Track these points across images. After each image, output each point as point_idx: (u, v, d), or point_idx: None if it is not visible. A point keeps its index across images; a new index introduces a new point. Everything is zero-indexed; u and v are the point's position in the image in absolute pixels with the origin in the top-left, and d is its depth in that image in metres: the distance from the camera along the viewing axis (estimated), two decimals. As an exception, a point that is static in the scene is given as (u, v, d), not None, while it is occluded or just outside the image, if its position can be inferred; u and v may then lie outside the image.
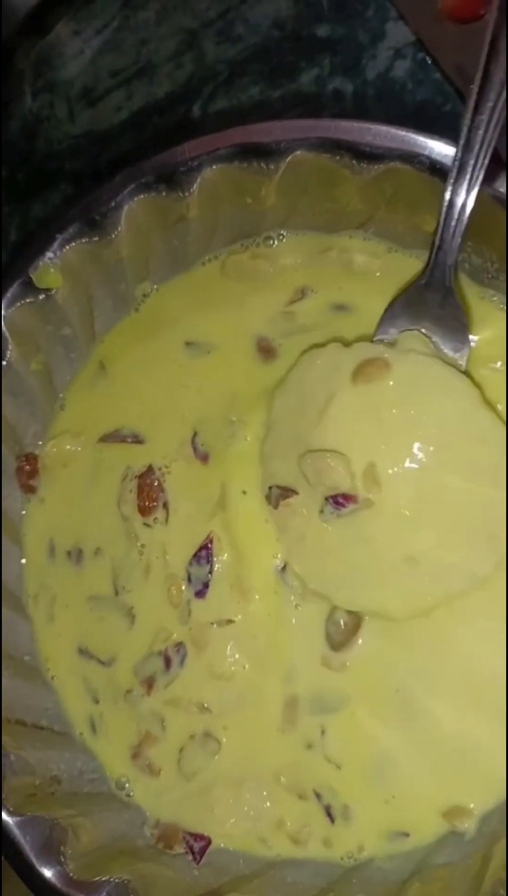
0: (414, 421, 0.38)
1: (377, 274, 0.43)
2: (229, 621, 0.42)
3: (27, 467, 0.47)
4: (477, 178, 0.36)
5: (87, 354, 0.47)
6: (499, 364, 0.42)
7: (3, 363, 0.44)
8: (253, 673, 0.42)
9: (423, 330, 0.40)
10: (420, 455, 0.38)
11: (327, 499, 0.39)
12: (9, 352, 0.44)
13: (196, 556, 0.42)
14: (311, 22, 0.53)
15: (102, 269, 0.44)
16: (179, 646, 0.42)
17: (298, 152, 0.39)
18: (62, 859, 0.38)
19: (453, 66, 0.48)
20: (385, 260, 0.43)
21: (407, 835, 0.40)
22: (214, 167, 0.40)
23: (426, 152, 0.36)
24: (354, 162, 0.38)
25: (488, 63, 0.34)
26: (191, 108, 0.56)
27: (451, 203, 0.36)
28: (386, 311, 0.41)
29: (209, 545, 0.42)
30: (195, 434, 0.44)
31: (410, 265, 0.42)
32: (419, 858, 0.39)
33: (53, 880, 0.38)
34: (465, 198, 0.36)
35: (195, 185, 0.41)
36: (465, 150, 0.35)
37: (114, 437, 0.45)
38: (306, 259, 0.44)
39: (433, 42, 0.49)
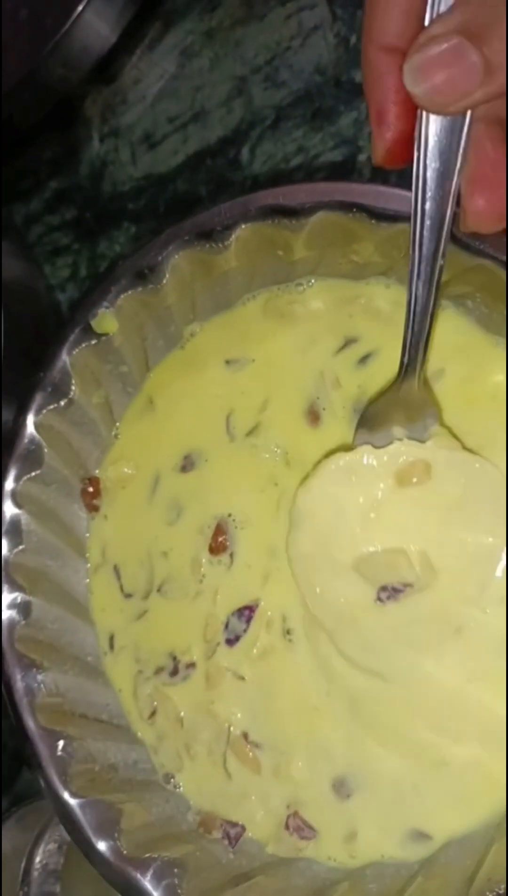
0: (456, 509, 0.43)
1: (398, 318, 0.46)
2: (241, 678, 0.47)
3: (90, 489, 0.52)
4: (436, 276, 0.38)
5: (141, 388, 0.52)
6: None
7: (69, 398, 0.50)
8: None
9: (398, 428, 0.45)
10: (466, 535, 0.43)
11: (384, 587, 0.44)
12: (73, 389, 0.49)
13: (240, 611, 0.47)
14: (349, 67, 0.56)
15: (152, 313, 0.49)
16: (191, 666, 0.48)
17: (320, 213, 0.42)
18: (116, 835, 0.44)
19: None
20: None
21: (430, 837, 0.44)
22: (246, 225, 0.45)
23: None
24: (371, 221, 0.42)
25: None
26: (240, 150, 0.60)
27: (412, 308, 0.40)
28: (366, 410, 0.45)
29: (253, 609, 0.47)
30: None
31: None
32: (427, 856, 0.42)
33: (108, 855, 0.44)
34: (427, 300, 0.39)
35: (231, 241, 0.45)
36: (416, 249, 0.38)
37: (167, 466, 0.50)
38: (335, 304, 0.47)
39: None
